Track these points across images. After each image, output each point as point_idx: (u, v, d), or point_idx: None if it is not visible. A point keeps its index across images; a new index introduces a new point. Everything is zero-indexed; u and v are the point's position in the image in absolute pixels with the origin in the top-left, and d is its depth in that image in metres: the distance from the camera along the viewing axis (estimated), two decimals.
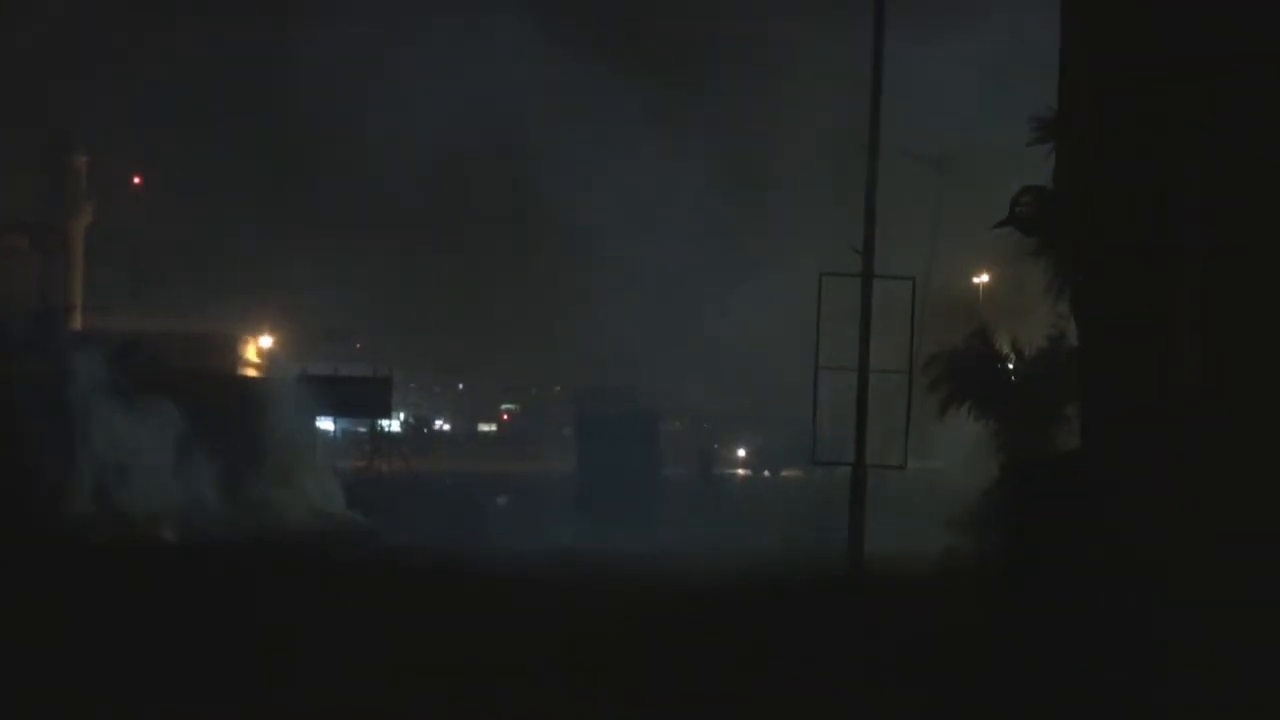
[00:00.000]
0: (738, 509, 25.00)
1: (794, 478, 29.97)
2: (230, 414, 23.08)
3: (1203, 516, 6.18)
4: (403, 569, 14.44)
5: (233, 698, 7.22)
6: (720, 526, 21.37)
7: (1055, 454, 11.80)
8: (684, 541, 19.17)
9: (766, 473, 34.35)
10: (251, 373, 33.84)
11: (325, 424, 33.37)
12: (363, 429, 38.61)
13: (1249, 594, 5.60)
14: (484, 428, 57.67)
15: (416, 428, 47.54)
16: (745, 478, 35.44)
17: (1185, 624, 5.78)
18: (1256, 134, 6.13)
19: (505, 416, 58.17)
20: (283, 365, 34.49)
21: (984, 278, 20.71)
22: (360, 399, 32.29)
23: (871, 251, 14.52)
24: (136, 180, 39.39)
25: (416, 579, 13.15)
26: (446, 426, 55.34)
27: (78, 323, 31.39)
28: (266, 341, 37.03)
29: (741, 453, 35.71)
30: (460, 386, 58.15)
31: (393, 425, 40.62)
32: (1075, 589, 6.34)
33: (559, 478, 31.35)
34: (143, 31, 40.96)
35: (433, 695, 7.56)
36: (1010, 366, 14.15)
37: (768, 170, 31.49)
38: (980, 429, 14.44)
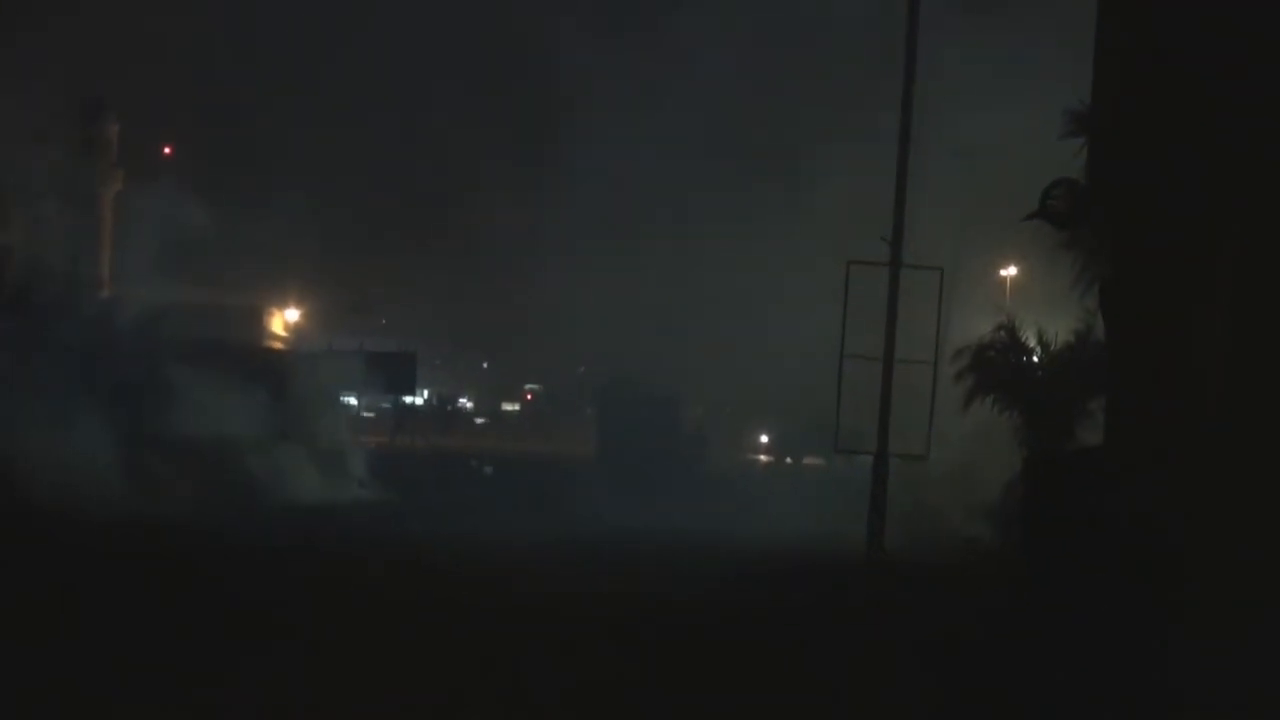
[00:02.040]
0: (757, 493, 25.21)
1: (815, 465, 30.24)
2: (258, 386, 23.47)
3: (1224, 516, 6.21)
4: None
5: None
6: (741, 509, 21.58)
7: (1078, 449, 11.87)
8: (702, 521, 19.34)
9: (789, 459, 34.54)
10: (277, 346, 34.21)
11: (349, 399, 33.83)
12: (386, 404, 39.04)
13: (1270, 593, 5.66)
14: (507, 406, 58.04)
15: (440, 405, 47.92)
16: (767, 464, 35.62)
17: (1205, 622, 5.84)
18: None
19: (529, 396, 58.48)
20: (308, 339, 34.94)
21: (1011, 270, 20.65)
22: (385, 374, 32.72)
23: (900, 240, 14.55)
24: (167, 150, 39.80)
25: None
26: (469, 404, 55.73)
27: (107, 291, 31.81)
28: (293, 315, 37.37)
29: (764, 439, 35.93)
30: (485, 365, 58.50)
31: (416, 401, 41.08)
32: (1094, 585, 6.39)
33: (580, 458, 31.85)
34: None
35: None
36: (1035, 360, 14.16)
37: (799, 157, 31.58)
38: (993, 421, 14.57)
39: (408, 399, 37.85)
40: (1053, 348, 13.89)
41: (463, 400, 54.82)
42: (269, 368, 26.44)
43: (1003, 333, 14.19)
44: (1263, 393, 6.27)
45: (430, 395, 46.91)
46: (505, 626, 9.02)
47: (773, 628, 9.57)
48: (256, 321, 35.30)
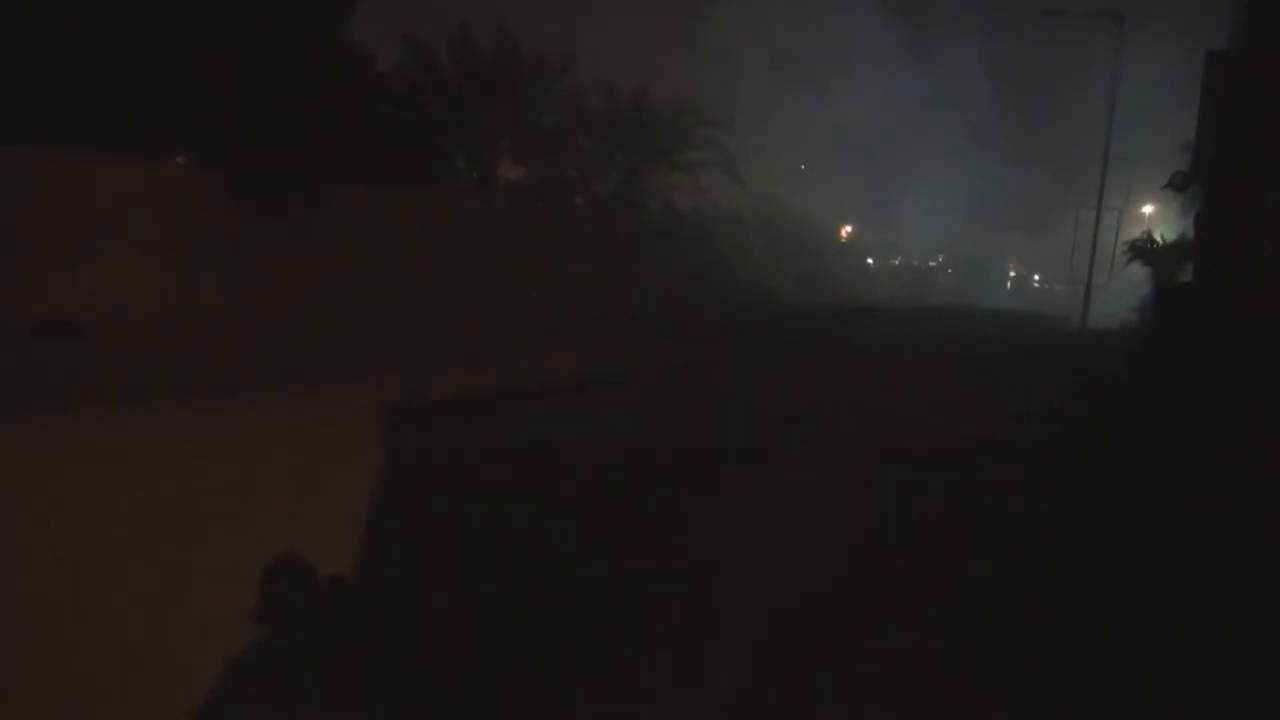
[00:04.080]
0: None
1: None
2: None
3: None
4: None
5: None
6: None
7: (1181, 285, 21.49)
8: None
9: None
10: None
11: None
12: None
13: None
14: None
15: None
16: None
17: None
18: None
19: None
20: None
21: (1149, 208, 38.59)
22: None
23: (1101, 200, 32.40)
24: None
25: None
26: None
27: None
28: None
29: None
30: None
31: None
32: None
33: None
34: None
35: None
36: (1159, 245, 31.53)
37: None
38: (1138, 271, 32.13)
39: None
40: (1165, 242, 31.50)
41: None
42: None
43: (1144, 234, 32.09)
44: None
45: None
46: None
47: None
48: None
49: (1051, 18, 33.45)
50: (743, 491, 6.89)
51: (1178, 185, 22.31)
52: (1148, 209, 38.55)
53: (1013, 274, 57.30)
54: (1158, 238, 31.06)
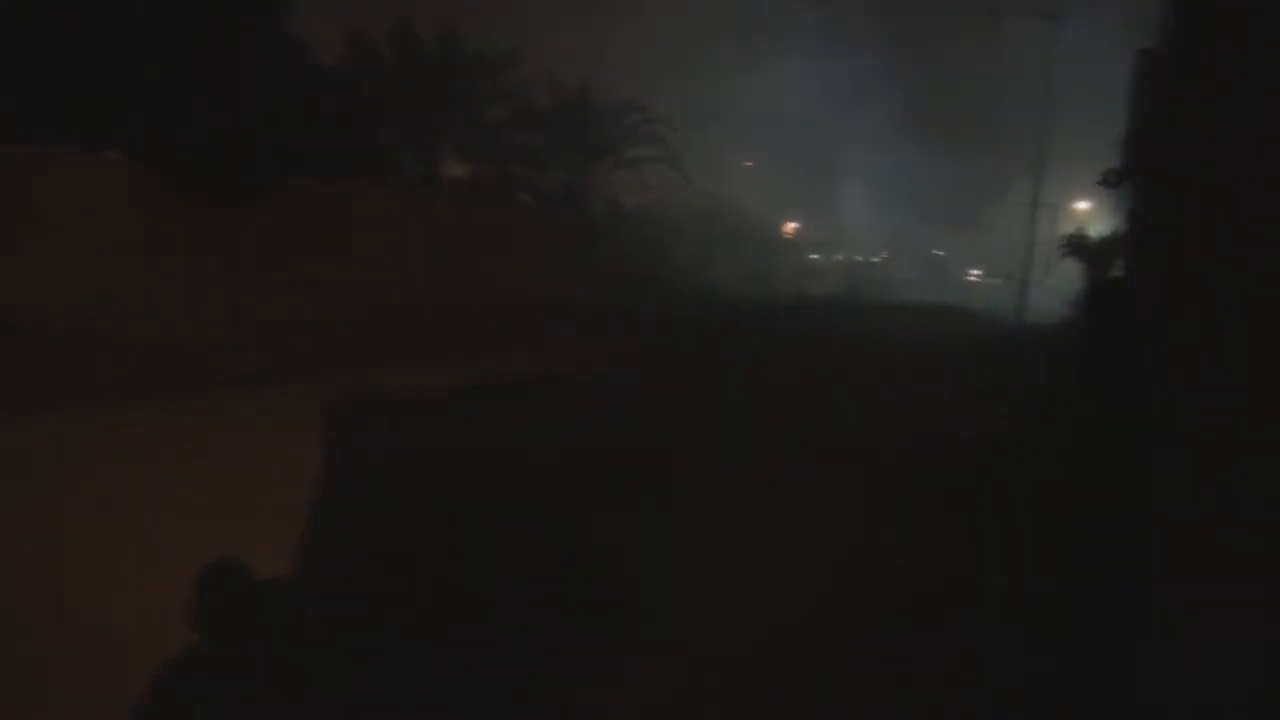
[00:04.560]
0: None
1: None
2: None
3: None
4: None
5: None
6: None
7: (1114, 279, 29.53)
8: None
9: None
10: None
11: None
12: None
13: None
14: None
15: None
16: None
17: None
18: None
19: None
20: None
21: (1084, 204, 39.63)
22: None
23: (1036, 198, 33.13)
24: None
25: None
26: None
27: None
28: None
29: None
30: None
31: None
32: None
33: None
34: None
35: None
36: (1094, 240, 32.42)
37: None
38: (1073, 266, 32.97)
39: None
40: (1099, 238, 32.43)
41: None
42: None
43: (1079, 229, 32.93)
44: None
45: None
46: None
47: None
48: None
49: (992, 15, 34.27)
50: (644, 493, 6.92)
51: (1110, 182, 22.79)
52: (1083, 205, 39.51)
53: (971, 271, 58.39)
54: (1092, 234, 31.97)
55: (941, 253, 56.97)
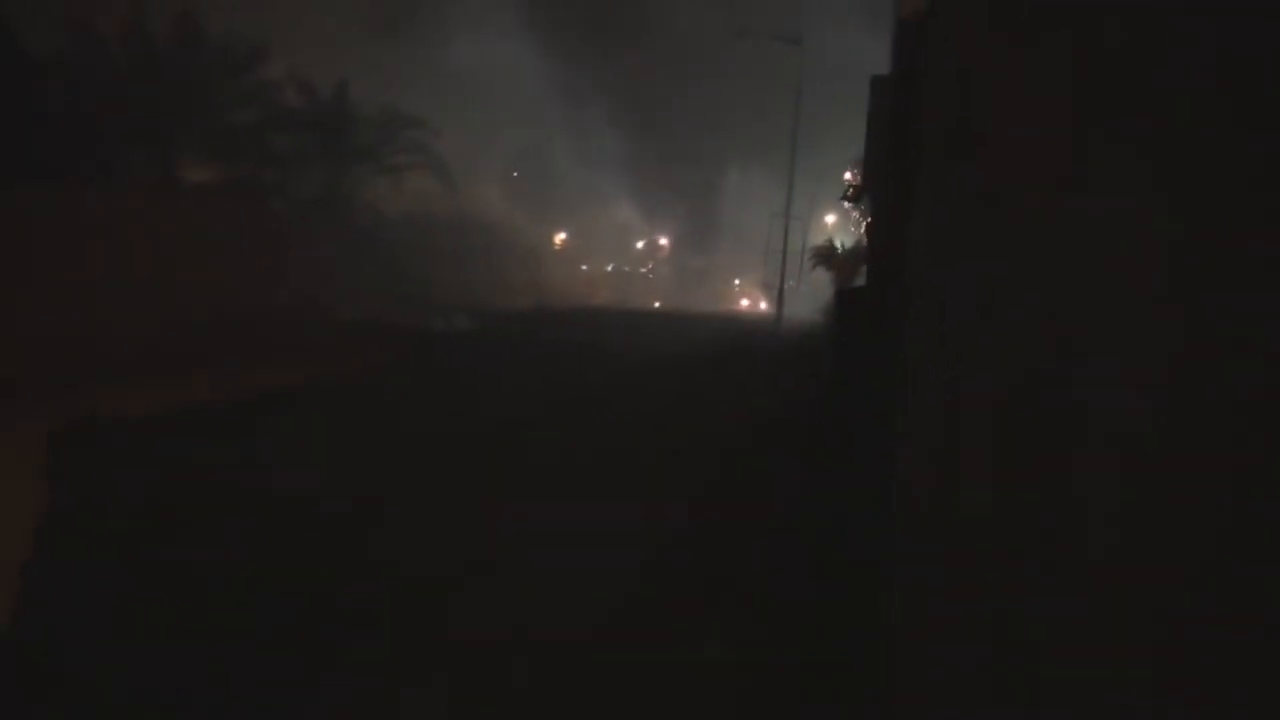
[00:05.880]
0: None
1: None
2: None
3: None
4: None
5: None
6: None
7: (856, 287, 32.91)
8: None
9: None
10: None
11: None
12: None
13: None
14: None
15: None
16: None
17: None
18: None
19: None
20: None
21: (832, 216, 42.59)
22: None
23: (788, 209, 35.27)
24: None
25: None
26: None
27: None
28: None
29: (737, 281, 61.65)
30: None
31: None
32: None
33: None
34: None
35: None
36: (839, 251, 34.99)
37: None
38: (824, 275, 35.48)
39: None
40: (844, 249, 35.00)
41: None
42: None
43: (827, 241, 35.34)
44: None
45: None
46: None
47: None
48: None
49: (741, 38, 36.22)
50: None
51: (851, 197, 25.65)
52: (830, 218, 42.52)
53: (734, 281, 60.85)
54: (838, 245, 34.43)
55: (702, 262, 59.15)
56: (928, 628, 3.04)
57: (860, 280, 28.53)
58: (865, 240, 22.80)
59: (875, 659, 3.90)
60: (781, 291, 34.90)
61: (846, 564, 4.98)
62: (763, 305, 48.90)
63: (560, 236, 52.35)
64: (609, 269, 56.44)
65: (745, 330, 31.89)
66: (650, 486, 7.75)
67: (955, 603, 2.59)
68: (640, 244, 60.75)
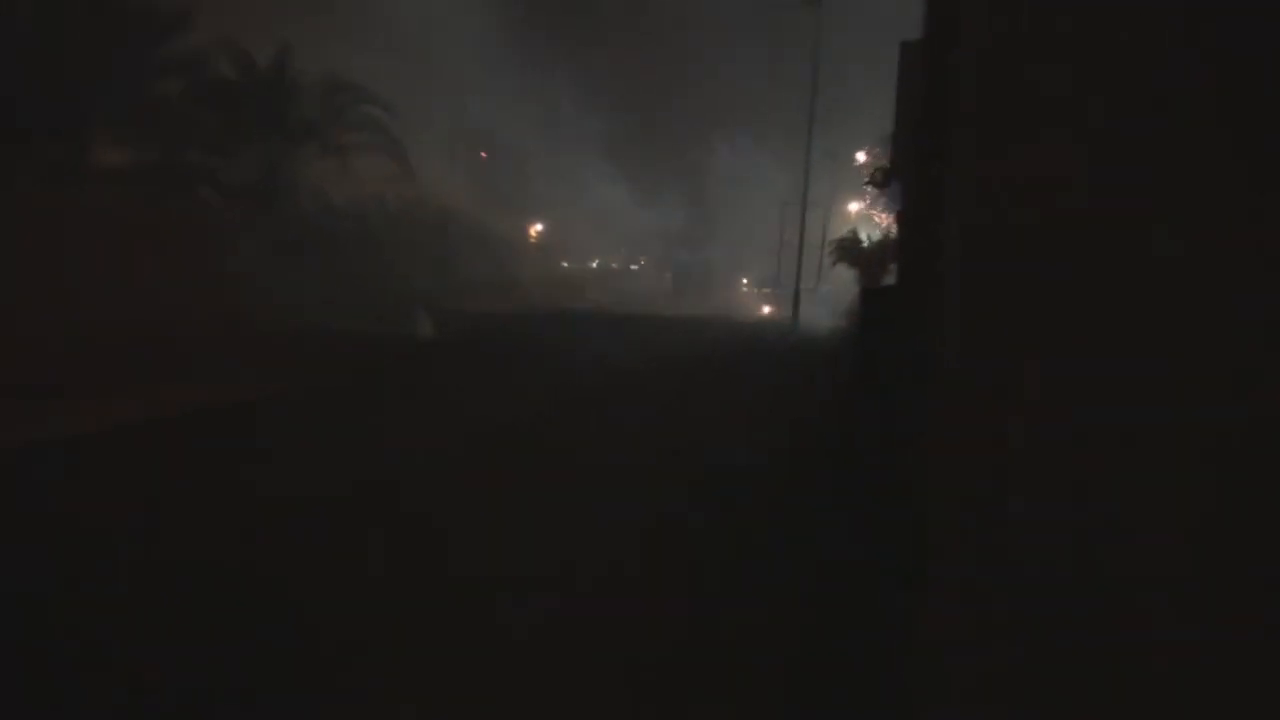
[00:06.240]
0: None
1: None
2: None
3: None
4: None
5: None
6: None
7: (883, 286, 31.92)
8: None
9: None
10: None
11: None
12: None
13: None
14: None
15: None
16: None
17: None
18: None
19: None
20: None
21: (855, 205, 42.82)
22: None
23: (805, 197, 35.47)
24: None
25: None
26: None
27: None
28: None
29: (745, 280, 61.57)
30: None
31: None
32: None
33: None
34: None
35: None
36: (864, 245, 35.09)
37: None
38: (847, 273, 35.67)
39: None
40: (870, 241, 35.13)
41: None
42: None
43: (850, 232, 35.49)
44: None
45: None
46: None
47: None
48: None
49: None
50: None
51: (878, 182, 25.44)
52: (854, 206, 42.83)
53: (741, 280, 61.24)
54: (863, 237, 34.53)
55: (704, 258, 59.33)
56: (957, 632, 3.18)
57: (890, 278, 28.06)
58: (894, 232, 22.74)
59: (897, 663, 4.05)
60: (797, 294, 35.09)
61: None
62: (765, 310, 49.26)
63: (536, 228, 52.45)
64: (593, 265, 56.60)
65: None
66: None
67: (987, 607, 2.71)
68: (627, 237, 60.96)
